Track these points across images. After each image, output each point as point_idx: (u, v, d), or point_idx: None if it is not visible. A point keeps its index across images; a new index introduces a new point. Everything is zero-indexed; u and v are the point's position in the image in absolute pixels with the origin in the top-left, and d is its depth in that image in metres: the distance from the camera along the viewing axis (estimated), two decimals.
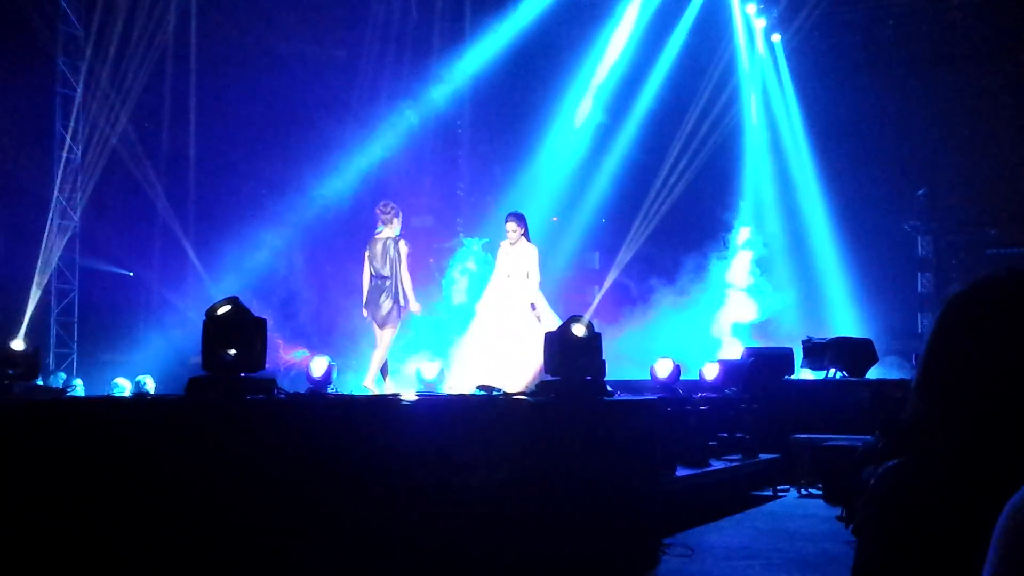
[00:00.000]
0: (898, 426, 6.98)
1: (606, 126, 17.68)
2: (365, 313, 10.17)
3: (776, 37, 18.37)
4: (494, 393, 8.04)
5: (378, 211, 10.22)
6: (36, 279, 13.45)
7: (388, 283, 9.94)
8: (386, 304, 10.03)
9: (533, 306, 10.04)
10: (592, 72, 17.77)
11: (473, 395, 8.01)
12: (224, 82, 15.17)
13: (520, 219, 10.30)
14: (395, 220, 10.07)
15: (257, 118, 15.38)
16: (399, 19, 16.44)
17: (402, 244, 10.02)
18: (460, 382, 9.65)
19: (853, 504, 7.40)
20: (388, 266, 9.92)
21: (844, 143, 17.84)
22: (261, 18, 15.45)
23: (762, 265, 17.17)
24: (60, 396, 9.91)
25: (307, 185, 15.70)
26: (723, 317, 16.51)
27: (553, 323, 9.76)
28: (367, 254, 10.13)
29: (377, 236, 10.13)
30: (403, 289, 10.03)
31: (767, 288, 16.73)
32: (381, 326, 10.12)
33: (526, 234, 10.30)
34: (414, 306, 10.20)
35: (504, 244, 10.36)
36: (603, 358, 7.45)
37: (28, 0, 13.34)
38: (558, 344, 7.13)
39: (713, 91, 18.00)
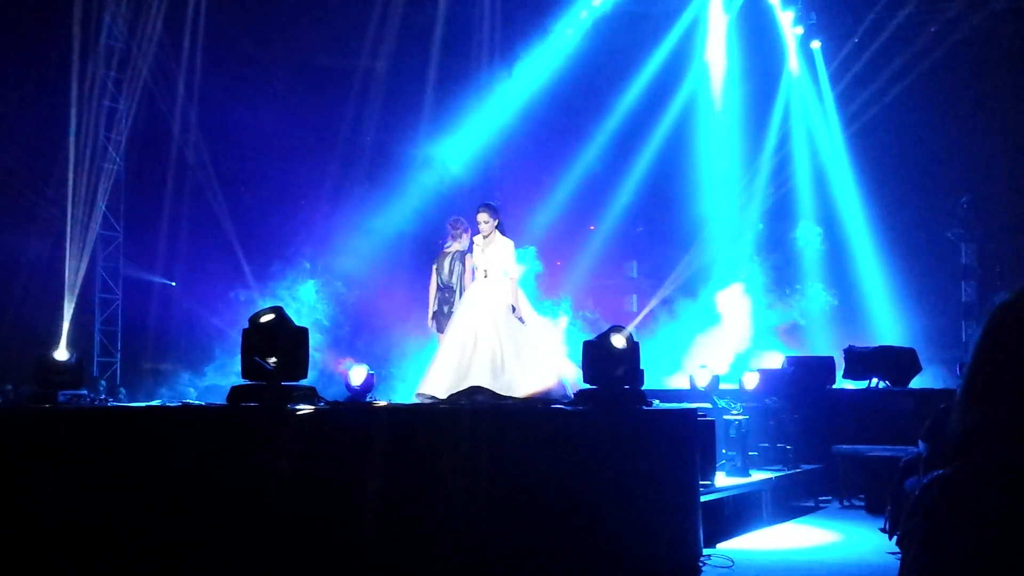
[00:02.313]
0: (943, 436, 6.89)
1: (640, 137, 17.63)
2: (431, 324, 10.39)
3: (815, 44, 18.27)
4: (435, 401, 8.17)
5: (449, 226, 10.56)
6: (73, 288, 13.63)
7: (454, 296, 10.16)
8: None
9: (514, 308, 9.16)
10: (630, 80, 17.73)
11: (512, 405, 8.01)
12: (270, 94, 15.32)
13: (492, 210, 9.55)
14: (464, 236, 10.34)
15: (302, 129, 15.50)
16: (439, 31, 16.49)
17: (468, 258, 10.19)
18: (436, 389, 8.61)
19: (897, 515, 7.31)
20: (455, 279, 10.23)
21: (885, 150, 17.66)
22: (300, 31, 15.59)
23: (788, 273, 17.11)
24: (104, 405, 10.05)
25: (354, 197, 15.79)
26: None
27: (536, 323, 9.47)
28: (435, 267, 10.47)
29: (446, 250, 10.45)
30: None
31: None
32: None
33: (500, 227, 9.53)
34: None
35: (477, 239, 9.58)
36: (641, 367, 7.43)
37: (72, 14, 13.55)
38: (596, 354, 7.11)
39: (750, 98, 17.96)
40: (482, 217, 9.43)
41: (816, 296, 17.01)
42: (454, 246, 10.36)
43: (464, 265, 10.20)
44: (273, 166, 15.65)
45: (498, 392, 8.42)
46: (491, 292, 9.18)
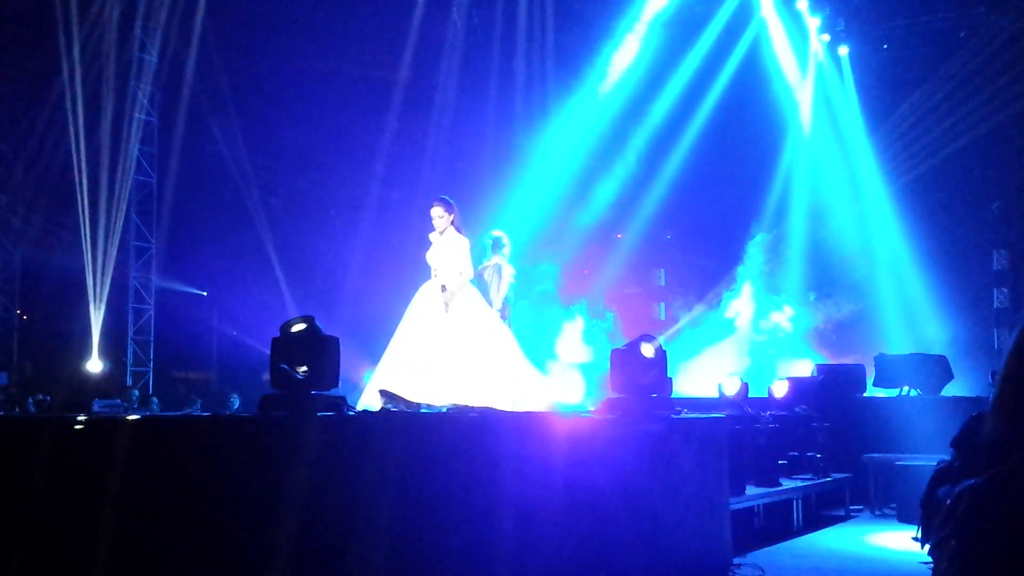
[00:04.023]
0: (975, 445, 6.83)
1: (668, 144, 17.62)
2: None
3: (843, 50, 18.19)
4: (393, 402, 7.82)
5: (487, 241, 10.74)
6: (99, 299, 13.78)
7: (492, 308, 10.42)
8: None
9: (446, 305, 8.55)
10: (654, 88, 17.74)
11: (538, 412, 8.01)
12: (298, 106, 15.45)
13: (448, 205, 8.96)
14: (503, 248, 10.57)
15: (332, 141, 15.61)
16: (463, 41, 16.59)
17: (505, 272, 10.48)
18: (371, 395, 8.13)
19: (929, 524, 7.25)
20: (492, 292, 10.39)
21: (915, 156, 17.55)
22: (323, 39, 15.71)
23: (817, 279, 17.04)
24: (137, 414, 10.14)
25: (381, 202, 15.88)
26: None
27: (488, 327, 8.79)
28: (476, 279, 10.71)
29: (487, 263, 10.62)
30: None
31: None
32: None
33: (456, 223, 8.96)
34: None
35: (433, 236, 9.01)
36: (669, 376, 7.42)
37: (106, 28, 13.73)
38: (625, 362, 7.11)
39: (777, 104, 17.93)
40: (436, 211, 8.89)
41: (845, 303, 16.91)
42: (494, 259, 10.51)
43: (501, 278, 10.37)
44: (313, 179, 15.76)
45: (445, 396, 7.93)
46: (438, 291, 8.68)
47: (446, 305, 8.54)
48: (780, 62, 18.08)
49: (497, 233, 10.81)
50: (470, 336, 8.50)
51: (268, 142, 15.49)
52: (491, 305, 9.98)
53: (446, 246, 8.81)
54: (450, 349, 8.27)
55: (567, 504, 5.96)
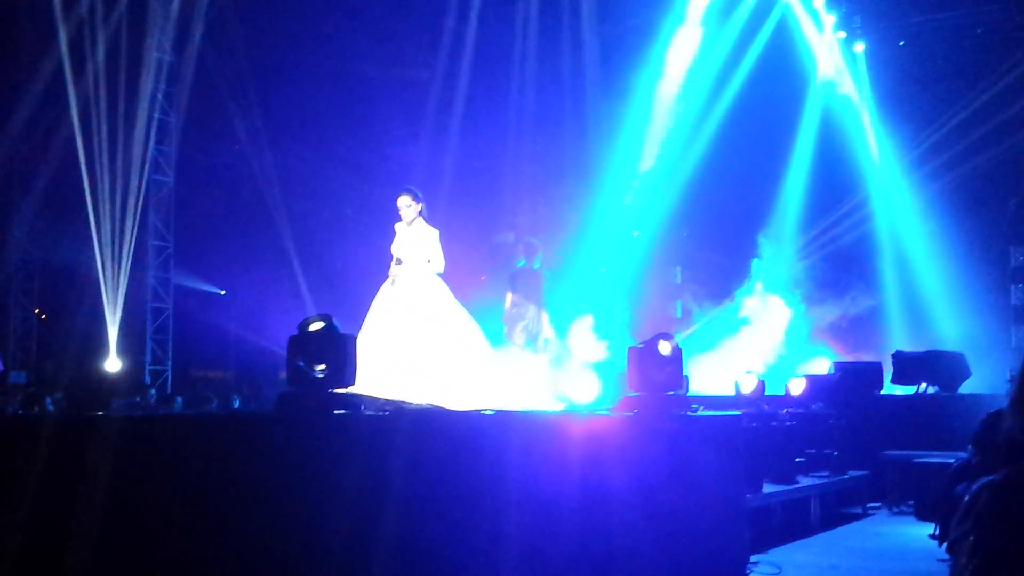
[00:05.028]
0: (993, 442, 6.82)
1: (685, 141, 17.60)
2: (508, 336, 11.15)
3: (859, 47, 18.14)
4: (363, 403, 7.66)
5: (520, 246, 11.29)
6: (116, 298, 13.85)
7: (527, 310, 10.97)
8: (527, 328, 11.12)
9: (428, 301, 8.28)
10: (671, 85, 17.73)
11: (554, 410, 8.02)
12: (315, 105, 15.50)
13: (414, 195, 8.74)
14: (536, 254, 11.05)
15: (351, 140, 15.67)
16: (476, 38, 16.59)
17: (539, 275, 11.09)
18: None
19: (946, 521, 7.23)
20: (524, 294, 11.04)
21: (931, 153, 17.47)
22: (345, 40, 15.76)
23: (833, 275, 16.97)
24: (156, 412, 10.20)
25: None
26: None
27: (454, 320, 8.53)
28: (509, 284, 11.27)
29: (520, 268, 11.14)
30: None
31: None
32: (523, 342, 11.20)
33: (423, 213, 8.73)
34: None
35: (400, 226, 8.75)
36: (685, 374, 7.43)
37: (121, 29, 13.81)
38: (642, 360, 7.12)
39: (794, 102, 17.90)
40: (403, 201, 8.70)
41: (862, 300, 16.85)
42: (526, 264, 11.04)
43: (538, 281, 10.90)
44: (332, 178, 15.81)
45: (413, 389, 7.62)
46: (411, 282, 8.45)
47: (393, 280, 8.37)
48: (800, 56, 18.05)
49: (528, 239, 11.16)
50: (429, 328, 8.26)
51: (287, 141, 15.55)
52: (538, 310, 10.34)
53: (414, 236, 8.62)
54: (411, 342, 8.04)
55: (584, 502, 5.97)
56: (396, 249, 8.63)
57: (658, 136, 17.72)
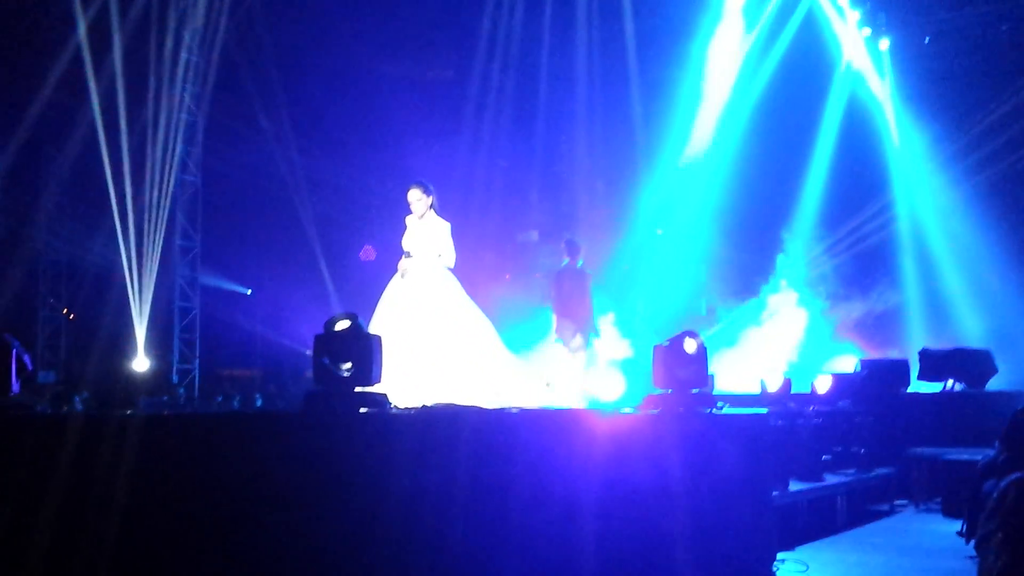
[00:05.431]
0: (1020, 439, 6.78)
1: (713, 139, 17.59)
2: (555, 334, 11.24)
3: (884, 44, 18.05)
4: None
5: (563, 245, 11.35)
6: (144, 297, 13.96)
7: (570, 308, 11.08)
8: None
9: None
10: (696, 86, 17.72)
11: (578, 408, 8.03)
12: (340, 105, 15.56)
13: (425, 187, 8.49)
14: (578, 254, 11.22)
15: (375, 138, 15.72)
16: (505, 37, 16.59)
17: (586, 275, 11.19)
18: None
19: (974, 518, 7.19)
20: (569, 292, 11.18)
21: (958, 147, 17.34)
22: (370, 40, 15.81)
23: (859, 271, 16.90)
24: (183, 410, 10.29)
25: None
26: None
27: (467, 317, 8.33)
28: (553, 283, 11.41)
29: (565, 267, 11.24)
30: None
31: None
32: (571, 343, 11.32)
33: (435, 206, 8.51)
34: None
35: (411, 219, 8.52)
36: (710, 372, 7.42)
37: (151, 31, 13.92)
38: (667, 357, 7.12)
39: (819, 98, 17.82)
40: (414, 195, 8.46)
41: (888, 297, 16.77)
42: (570, 262, 11.14)
43: (583, 280, 11.04)
44: (357, 178, 15.87)
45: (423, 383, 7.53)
46: (423, 276, 8.27)
47: (403, 273, 8.24)
48: (825, 53, 17.99)
49: (571, 238, 11.29)
50: (438, 323, 8.08)
51: (313, 141, 15.62)
52: (584, 310, 10.47)
53: (425, 229, 8.42)
54: (419, 337, 7.82)
55: (610, 500, 5.98)
56: (407, 243, 8.47)
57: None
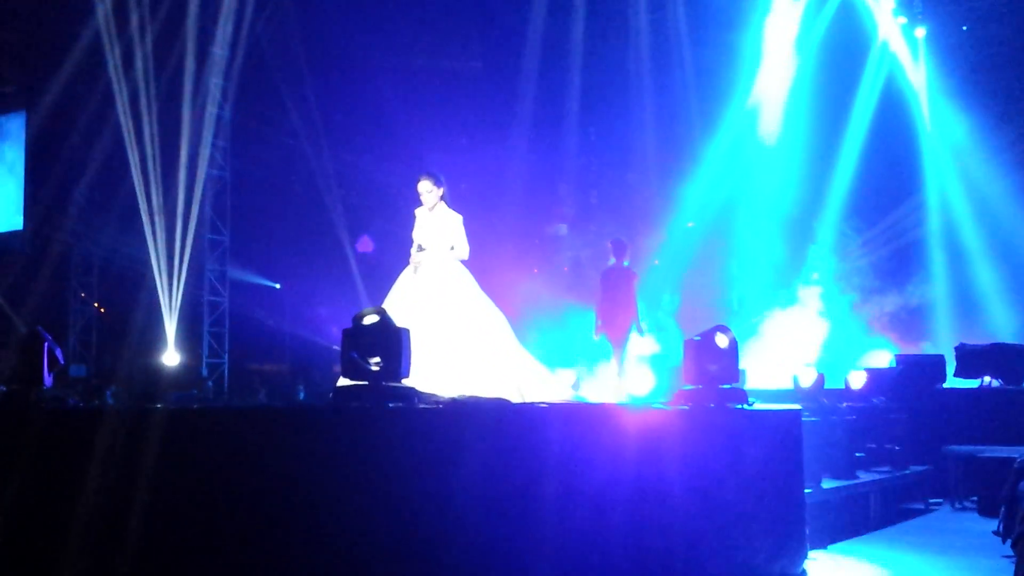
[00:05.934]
0: None
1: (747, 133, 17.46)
2: (597, 333, 11.51)
3: (920, 32, 17.83)
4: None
5: (609, 244, 11.65)
6: (174, 291, 14.02)
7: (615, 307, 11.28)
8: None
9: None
10: (731, 82, 17.60)
11: (608, 403, 7.97)
12: (369, 98, 15.56)
13: (435, 178, 8.30)
14: (625, 253, 11.47)
15: (404, 133, 15.70)
16: (533, 30, 16.50)
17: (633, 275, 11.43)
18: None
19: (1011, 517, 7.06)
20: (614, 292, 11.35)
21: (992, 136, 17.08)
22: (399, 33, 15.78)
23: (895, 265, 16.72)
24: (211, 404, 10.32)
25: (455, 197, 15.96)
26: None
27: (478, 311, 8.13)
28: (601, 282, 11.59)
29: (611, 267, 11.50)
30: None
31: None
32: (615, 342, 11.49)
33: (445, 197, 8.33)
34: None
35: (420, 211, 8.36)
36: (740, 367, 7.33)
37: (186, 25, 13.97)
38: (699, 352, 7.03)
39: (853, 87, 17.64)
40: (424, 186, 8.26)
41: (922, 291, 16.59)
42: (616, 263, 11.36)
43: (629, 279, 11.25)
44: (387, 171, 15.86)
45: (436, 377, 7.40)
46: (433, 269, 8.12)
47: (415, 267, 8.09)
48: (862, 42, 17.83)
49: (617, 237, 11.44)
50: (449, 317, 7.91)
51: (342, 135, 15.62)
52: (630, 309, 10.61)
53: (436, 222, 8.25)
54: (430, 331, 7.55)
55: (639, 496, 5.91)
56: (418, 235, 8.30)
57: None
